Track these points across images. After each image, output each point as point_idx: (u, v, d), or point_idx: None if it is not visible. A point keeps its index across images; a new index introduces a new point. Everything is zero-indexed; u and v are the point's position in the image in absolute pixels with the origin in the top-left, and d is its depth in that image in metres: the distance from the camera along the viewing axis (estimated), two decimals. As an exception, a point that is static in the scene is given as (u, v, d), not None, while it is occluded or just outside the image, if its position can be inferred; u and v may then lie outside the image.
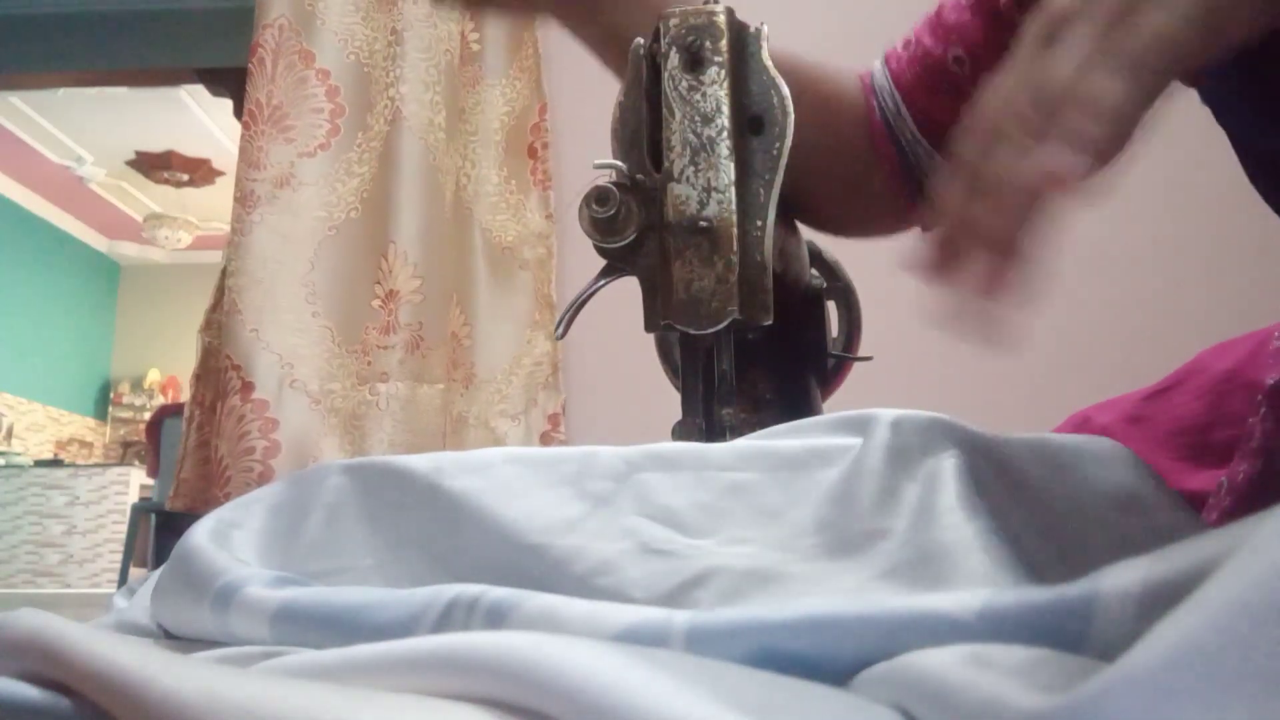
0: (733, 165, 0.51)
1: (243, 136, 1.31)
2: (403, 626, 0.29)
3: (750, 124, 0.52)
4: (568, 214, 1.45)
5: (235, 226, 1.29)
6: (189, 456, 1.27)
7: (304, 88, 1.33)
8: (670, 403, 0.58)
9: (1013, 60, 0.35)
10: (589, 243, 0.52)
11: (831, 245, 0.74)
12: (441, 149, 1.37)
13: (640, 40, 0.54)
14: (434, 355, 1.33)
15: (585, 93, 1.44)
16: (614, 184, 0.51)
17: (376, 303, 1.31)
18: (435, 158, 1.36)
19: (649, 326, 0.53)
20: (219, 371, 1.26)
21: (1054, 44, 0.34)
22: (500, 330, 1.43)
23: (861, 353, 0.70)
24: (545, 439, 1.41)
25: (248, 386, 1.22)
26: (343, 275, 1.32)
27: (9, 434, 5.79)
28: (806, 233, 0.66)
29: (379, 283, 1.32)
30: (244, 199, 1.29)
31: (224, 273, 1.31)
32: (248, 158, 1.30)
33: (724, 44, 0.52)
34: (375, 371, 1.29)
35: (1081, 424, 0.63)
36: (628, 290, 0.56)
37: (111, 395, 6.76)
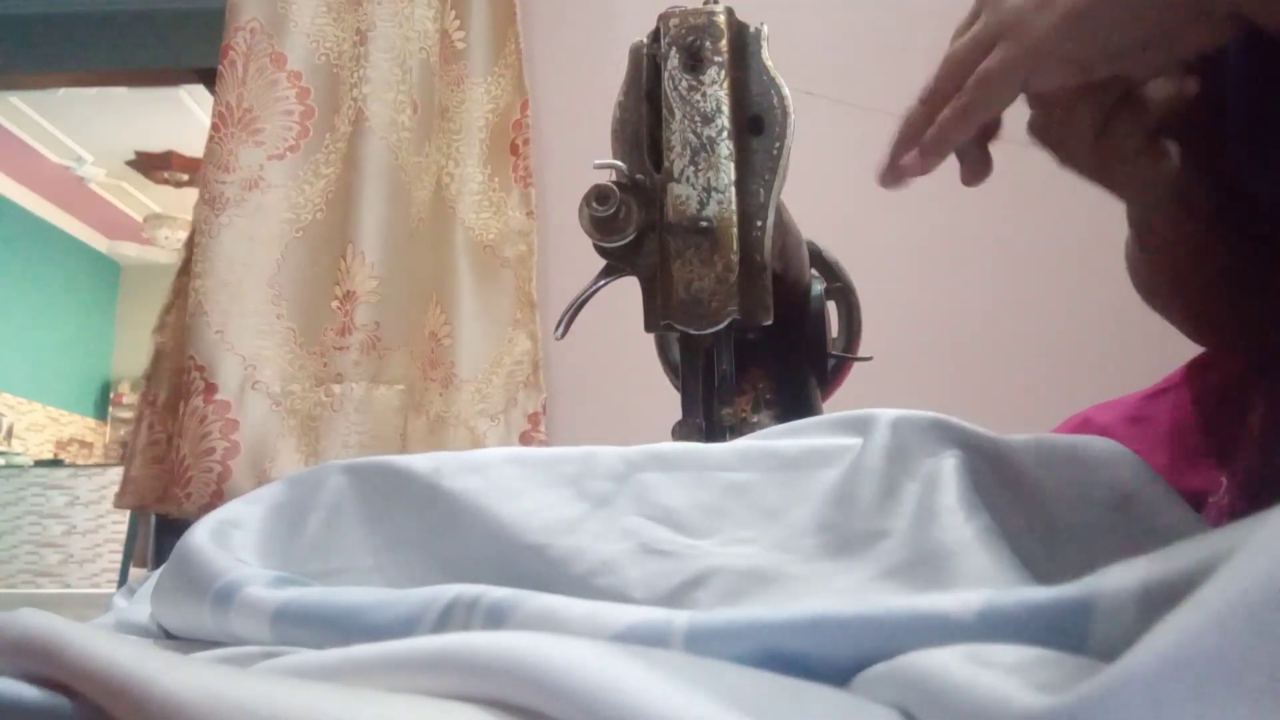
0: (733, 165, 0.51)
1: (210, 139, 1.31)
2: (403, 626, 0.29)
3: (750, 124, 0.52)
4: (548, 211, 1.44)
5: (201, 228, 1.28)
6: (138, 455, 1.27)
7: (274, 90, 1.33)
8: (667, 403, 0.58)
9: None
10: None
11: (831, 245, 0.74)
12: (408, 148, 1.37)
13: (642, 40, 0.54)
14: (392, 356, 1.32)
15: (567, 88, 1.43)
16: (614, 183, 0.51)
17: (334, 304, 1.31)
18: (399, 157, 1.36)
19: (649, 326, 0.53)
20: (177, 372, 1.26)
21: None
22: (481, 329, 1.42)
23: (861, 353, 0.70)
24: (525, 438, 1.40)
25: (210, 388, 1.22)
26: (307, 277, 1.32)
27: (9, 434, 5.79)
28: (806, 232, 0.66)
29: (338, 284, 1.31)
30: (212, 201, 1.28)
31: (181, 273, 1.30)
32: (216, 160, 1.29)
33: (724, 44, 0.52)
34: (330, 372, 1.29)
35: (1082, 424, 0.63)
36: (612, 290, 0.56)
37: (111, 395, 6.75)
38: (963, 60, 0.43)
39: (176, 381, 1.26)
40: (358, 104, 1.34)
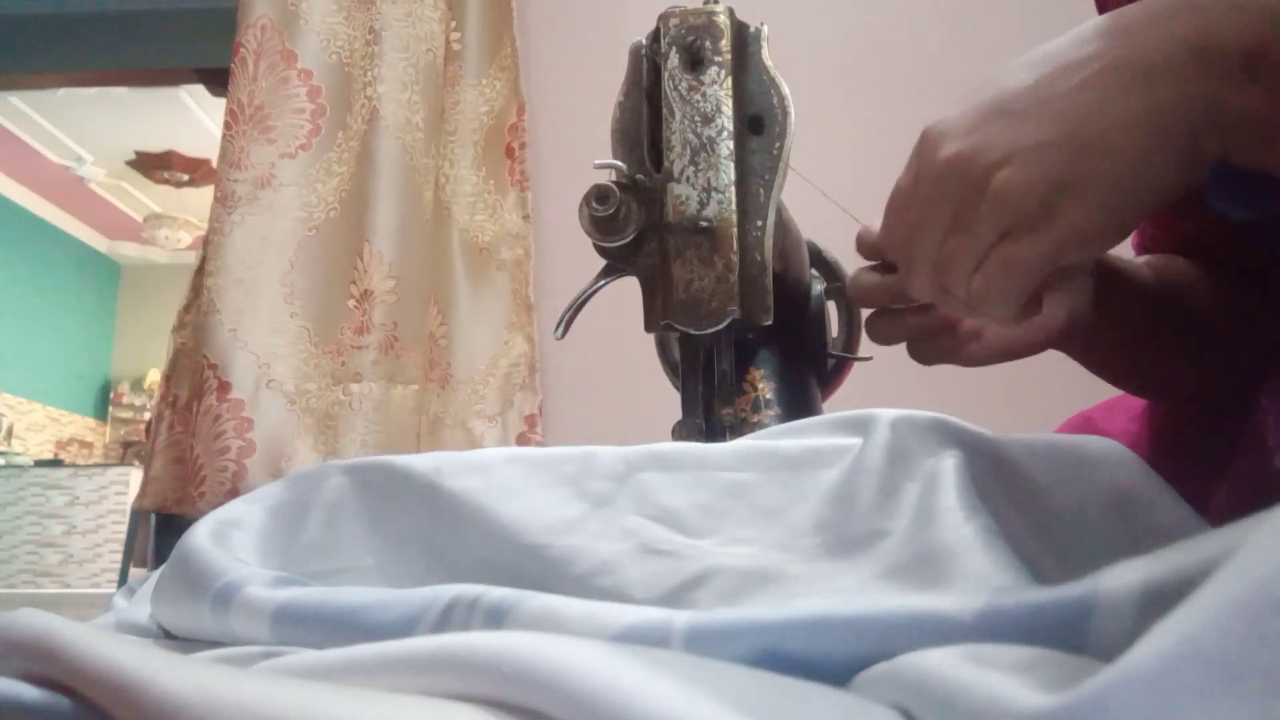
0: (733, 165, 0.51)
1: (224, 136, 1.31)
2: (403, 627, 0.29)
3: (750, 124, 0.52)
4: (545, 215, 1.44)
5: (214, 226, 1.28)
6: (158, 455, 1.27)
7: (285, 88, 1.33)
8: (666, 403, 0.58)
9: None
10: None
11: (831, 245, 0.74)
12: (419, 149, 1.37)
13: (642, 40, 0.54)
14: (408, 356, 1.32)
15: (563, 94, 1.43)
16: (614, 183, 0.51)
17: (351, 303, 1.31)
18: (413, 158, 1.35)
19: (649, 326, 0.53)
20: (194, 371, 1.26)
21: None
22: (477, 331, 1.42)
23: (861, 353, 0.70)
24: (522, 440, 1.40)
25: (224, 386, 1.22)
26: (321, 275, 1.32)
27: (9, 434, 5.79)
28: (806, 232, 0.66)
29: (354, 282, 1.31)
30: (224, 199, 1.29)
31: (198, 273, 1.30)
32: (228, 158, 1.30)
33: (724, 44, 0.52)
34: (349, 372, 1.29)
35: (1083, 424, 0.63)
36: (609, 291, 0.56)
37: (111, 395, 6.75)
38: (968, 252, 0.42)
39: (193, 380, 1.26)
40: (372, 102, 1.35)
